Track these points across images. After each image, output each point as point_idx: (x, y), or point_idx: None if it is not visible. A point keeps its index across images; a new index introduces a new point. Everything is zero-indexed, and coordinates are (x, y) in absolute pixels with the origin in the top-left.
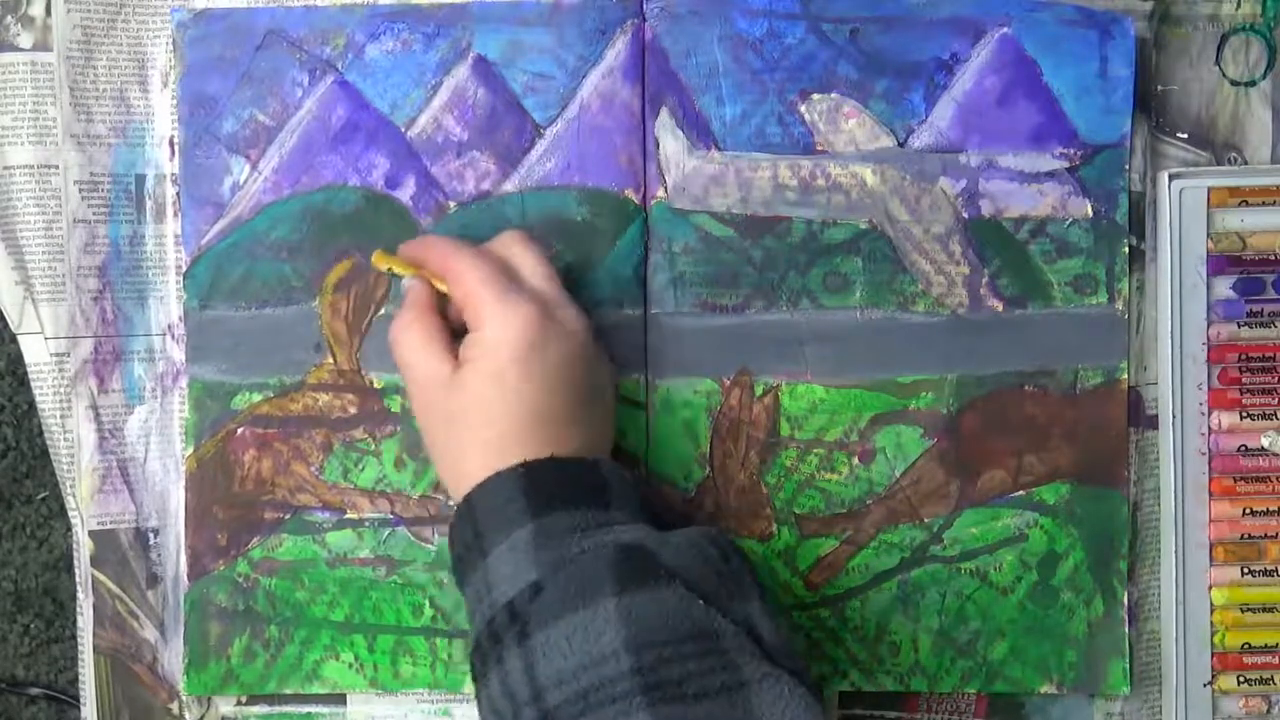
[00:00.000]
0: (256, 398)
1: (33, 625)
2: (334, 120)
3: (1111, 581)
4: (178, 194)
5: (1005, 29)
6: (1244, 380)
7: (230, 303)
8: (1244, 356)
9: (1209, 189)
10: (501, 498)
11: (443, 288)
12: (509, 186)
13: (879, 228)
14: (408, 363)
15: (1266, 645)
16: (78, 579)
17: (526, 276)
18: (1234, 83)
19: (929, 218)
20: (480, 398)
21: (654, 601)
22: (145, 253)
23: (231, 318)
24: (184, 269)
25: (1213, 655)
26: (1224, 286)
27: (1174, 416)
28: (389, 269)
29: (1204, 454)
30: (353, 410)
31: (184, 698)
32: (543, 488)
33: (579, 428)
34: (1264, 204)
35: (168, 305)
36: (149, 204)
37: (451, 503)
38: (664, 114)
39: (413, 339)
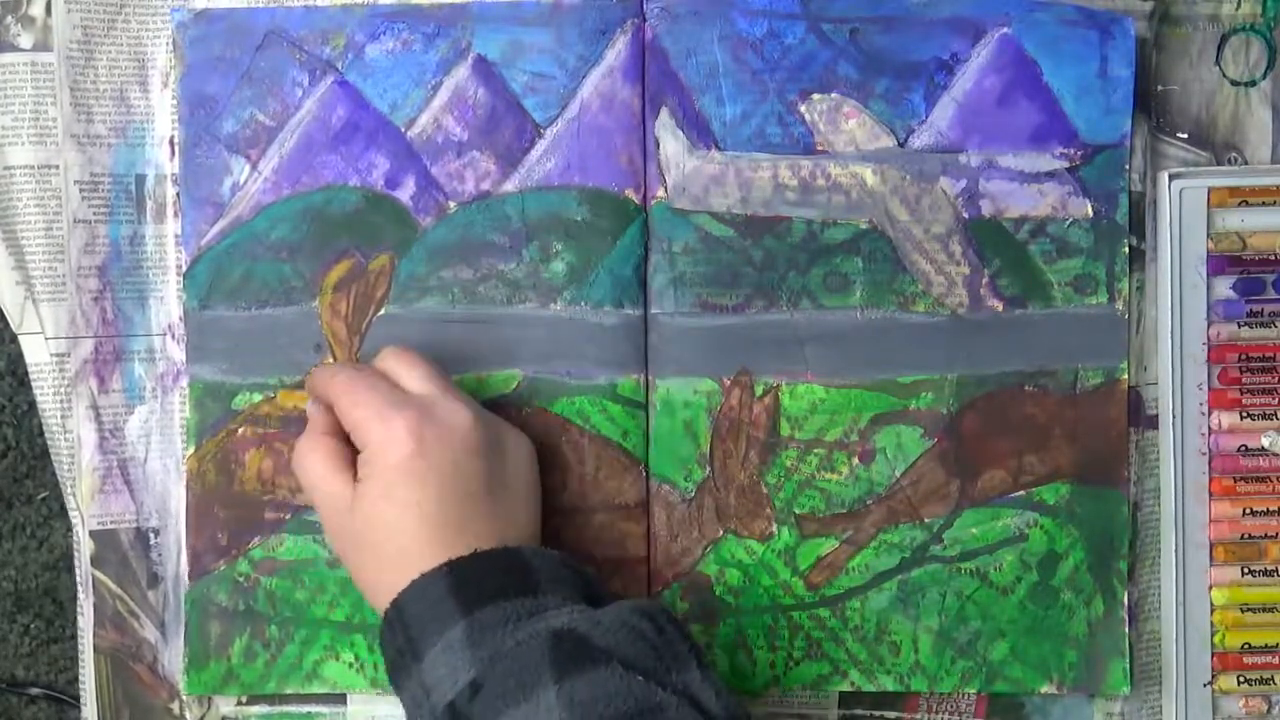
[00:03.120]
0: (257, 398)
1: (33, 625)
2: (334, 120)
3: (1111, 581)
4: (178, 194)
5: (1005, 29)
6: (1244, 380)
7: (230, 303)
8: (1244, 356)
9: (1209, 189)
10: (430, 599)
11: None
12: (509, 186)
13: (879, 228)
14: (310, 486)
15: (1266, 645)
16: (78, 579)
17: (406, 384)
18: (1234, 83)
19: (929, 218)
20: (376, 516)
21: (593, 684)
22: (145, 253)
23: (232, 318)
24: (184, 269)
25: (1213, 655)
26: (1224, 286)
27: (1174, 416)
28: (288, 402)
29: (1204, 454)
30: None
31: (184, 697)
32: (469, 583)
33: (490, 519)
34: (1264, 204)
35: (168, 305)
36: (149, 204)
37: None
38: (664, 114)
39: (311, 463)
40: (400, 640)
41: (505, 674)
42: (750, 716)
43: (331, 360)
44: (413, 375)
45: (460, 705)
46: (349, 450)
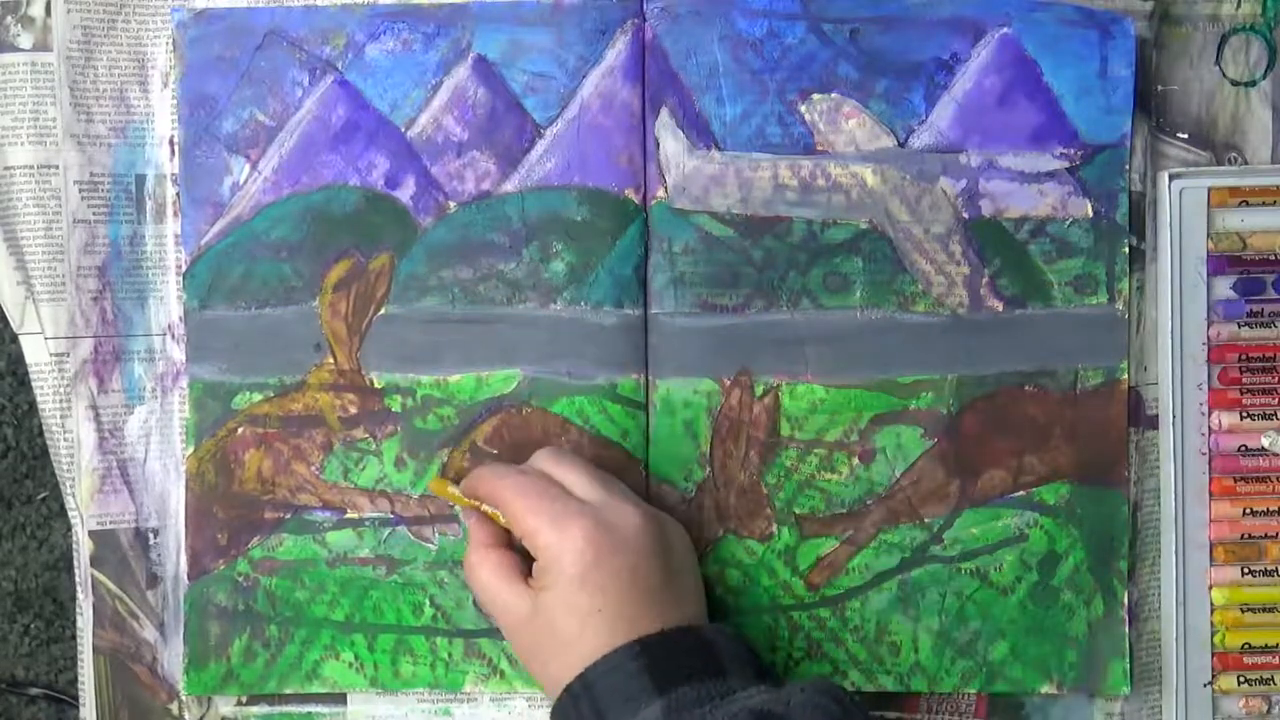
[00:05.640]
0: (257, 397)
1: (33, 625)
2: (334, 120)
3: (1111, 581)
4: (178, 194)
5: (1005, 29)
6: (1244, 380)
7: (230, 303)
8: (1244, 356)
9: (1209, 189)
10: (623, 675)
11: (501, 521)
12: (509, 186)
13: (879, 228)
14: (486, 600)
15: (1266, 645)
16: (78, 579)
17: (574, 489)
18: (1234, 83)
19: (929, 218)
20: (558, 625)
21: None
22: (145, 253)
23: (231, 318)
24: (184, 269)
25: (1213, 655)
26: (1224, 286)
27: (1174, 416)
28: (448, 497)
29: (1204, 454)
30: (353, 410)
31: (184, 698)
32: (662, 662)
33: (665, 606)
34: (1264, 204)
35: (168, 305)
36: (149, 204)
37: (547, 693)
38: (664, 114)
39: (484, 578)
40: (588, 715)
41: None
42: None
43: (332, 361)
44: (579, 480)
45: None
46: (515, 557)
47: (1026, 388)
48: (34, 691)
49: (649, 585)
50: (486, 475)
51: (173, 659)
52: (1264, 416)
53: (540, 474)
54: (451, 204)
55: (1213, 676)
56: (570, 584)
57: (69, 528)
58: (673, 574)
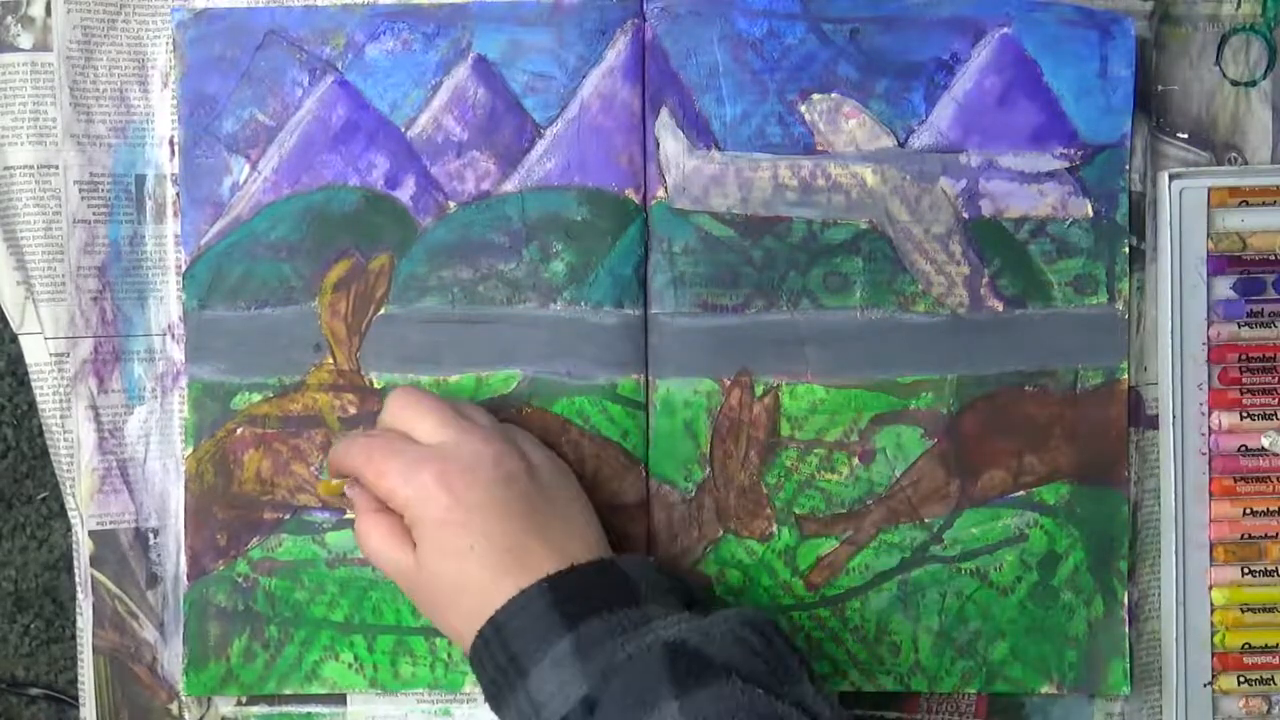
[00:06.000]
0: (256, 398)
1: (33, 625)
2: (334, 120)
3: (1111, 581)
4: (178, 194)
5: (1005, 29)
6: (1244, 380)
7: (230, 303)
8: (1244, 356)
9: (1209, 189)
10: (531, 614)
11: None
12: (509, 186)
13: (879, 228)
14: (379, 565)
15: (1266, 645)
16: (77, 579)
17: (420, 436)
18: (1234, 83)
19: (929, 218)
20: (440, 574)
21: (715, 699)
22: (145, 253)
23: (231, 318)
24: (184, 269)
25: (1213, 655)
26: (1224, 286)
27: (1174, 416)
28: (333, 493)
29: (1204, 454)
30: (353, 410)
31: (183, 698)
32: (572, 596)
33: (548, 538)
34: (1264, 204)
35: (167, 305)
36: (149, 204)
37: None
38: (664, 114)
39: (369, 541)
40: (501, 659)
41: (622, 690)
42: None
43: (332, 361)
44: (425, 425)
45: None
46: (400, 519)
47: (1026, 388)
48: (34, 691)
49: (527, 517)
50: (340, 451)
51: (173, 659)
52: (1264, 416)
53: (385, 432)
54: (451, 204)
55: (1213, 676)
56: (437, 530)
57: (69, 528)
58: (550, 502)
